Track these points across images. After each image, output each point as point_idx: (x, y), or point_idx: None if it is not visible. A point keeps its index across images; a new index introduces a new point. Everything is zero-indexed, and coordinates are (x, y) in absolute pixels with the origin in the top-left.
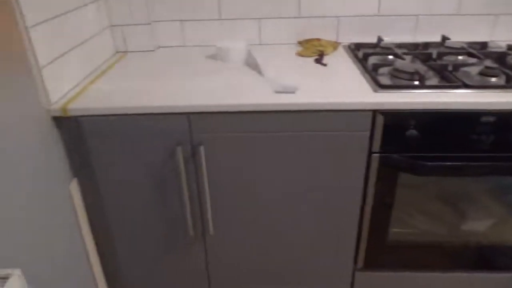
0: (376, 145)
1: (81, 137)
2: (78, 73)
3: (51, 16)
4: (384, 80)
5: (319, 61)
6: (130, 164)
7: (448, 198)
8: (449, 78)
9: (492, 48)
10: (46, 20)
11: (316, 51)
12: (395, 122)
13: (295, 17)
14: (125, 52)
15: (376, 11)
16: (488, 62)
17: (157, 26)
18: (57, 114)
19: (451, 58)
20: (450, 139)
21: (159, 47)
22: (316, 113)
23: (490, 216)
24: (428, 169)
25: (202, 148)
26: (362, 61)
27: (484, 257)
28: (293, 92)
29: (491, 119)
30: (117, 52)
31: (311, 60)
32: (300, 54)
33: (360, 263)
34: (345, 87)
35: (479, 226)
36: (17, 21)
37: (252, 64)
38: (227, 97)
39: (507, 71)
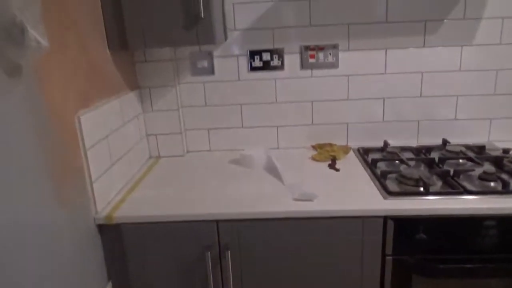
0: (389, 248)
1: (120, 242)
2: (120, 181)
3: (103, 136)
4: (393, 187)
5: (332, 166)
6: (162, 267)
7: None
8: (451, 184)
9: (489, 150)
10: (100, 141)
11: (329, 156)
12: (404, 227)
13: (308, 125)
14: (158, 157)
15: (380, 118)
16: (487, 166)
17: (187, 133)
18: (102, 222)
19: (452, 162)
20: (458, 242)
21: (188, 151)
22: (331, 219)
23: None
24: (439, 272)
25: (228, 253)
26: (371, 167)
27: None
28: (311, 200)
29: (493, 223)
30: (150, 157)
31: (325, 165)
32: (314, 159)
33: None
34: (357, 194)
35: None
36: (79, 143)
37: (272, 170)
38: (251, 204)
39: (504, 176)
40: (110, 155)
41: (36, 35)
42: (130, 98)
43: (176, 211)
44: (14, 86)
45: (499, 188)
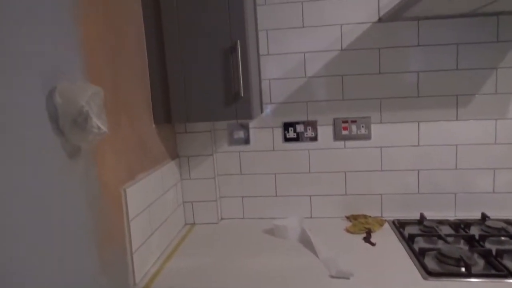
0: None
1: None
2: (158, 250)
3: (145, 206)
4: (432, 266)
5: (367, 240)
6: None
7: None
8: (494, 265)
9: None
10: (142, 211)
11: (363, 228)
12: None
13: (342, 195)
14: (193, 224)
15: (415, 190)
16: None
17: (221, 200)
18: None
19: (493, 239)
20: None
21: (222, 218)
22: None
23: None
24: None
25: None
26: (408, 243)
27: None
28: (348, 278)
29: None
30: (186, 224)
31: (359, 238)
32: (348, 231)
33: None
34: (395, 273)
35: None
36: (123, 214)
37: (306, 242)
38: (287, 281)
39: None
40: (150, 225)
41: (98, 122)
42: (171, 167)
43: (209, 285)
44: (74, 166)
45: None
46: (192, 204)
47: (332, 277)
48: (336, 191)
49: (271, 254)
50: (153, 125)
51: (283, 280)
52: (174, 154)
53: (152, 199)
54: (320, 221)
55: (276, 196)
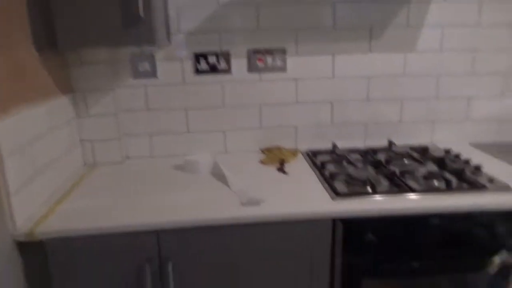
0: (338, 252)
1: (44, 261)
2: (47, 192)
3: (24, 143)
4: (341, 188)
5: (281, 169)
6: (95, 285)
7: None
8: (398, 184)
9: (432, 151)
10: (20, 149)
11: (277, 159)
12: (353, 228)
13: (257, 128)
14: (94, 164)
15: (329, 121)
16: (430, 166)
17: (126, 139)
18: (22, 239)
19: (397, 162)
20: (405, 241)
21: (128, 157)
22: (279, 224)
23: None
24: (389, 272)
25: (170, 265)
26: (320, 169)
27: None
28: (258, 204)
29: (438, 220)
30: (85, 164)
31: (273, 169)
32: (263, 163)
33: None
34: (306, 197)
35: None
36: None
37: (218, 175)
38: (195, 212)
39: (447, 175)
40: (33, 164)
41: None
42: (62, 102)
43: (111, 223)
44: None
45: (443, 186)
46: (91, 143)
47: (243, 205)
48: (251, 125)
49: (182, 189)
50: (35, 52)
51: (194, 210)
52: (66, 88)
53: (35, 136)
54: (235, 155)
55: (188, 132)
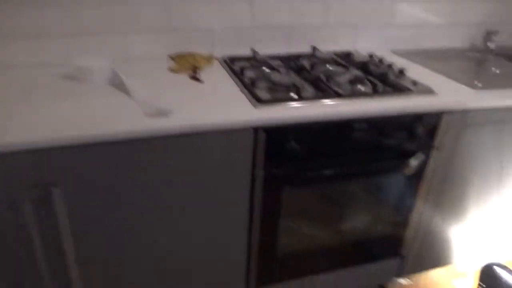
0: (260, 163)
1: None
2: None
3: None
4: (263, 95)
5: (194, 77)
6: None
7: (331, 202)
8: (323, 89)
9: (356, 57)
10: None
11: (190, 66)
12: (276, 137)
13: (166, 30)
14: None
15: (248, 23)
16: (355, 71)
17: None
18: None
19: (322, 68)
20: (330, 148)
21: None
22: (194, 136)
23: (367, 212)
24: (311, 181)
25: (56, 191)
26: (239, 76)
27: (364, 251)
28: (166, 115)
29: (364, 125)
30: None
31: (185, 77)
32: (172, 70)
33: (252, 283)
34: (224, 105)
35: (358, 223)
36: None
37: (118, 85)
38: (87, 126)
39: (372, 79)
40: None
41: None
42: None
43: None
44: None
45: (369, 90)
46: None
47: (148, 116)
48: (158, 26)
49: (71, 101)
50: None
51: (86, 125)
52: None
53: None
54: (139, 62)
55: (80, 36)
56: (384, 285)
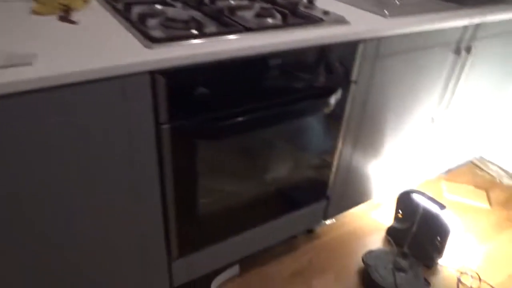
0: (163, 114)
1: None
2: None
3: None
4: (157, 33)
5: (65, 18)
6: None
7: (251, 152)
8: (227, 23)
9: None
10: None
11: (58, 6)
12: (178, 82)
13: None
14: None
15: None
16: (261, 3)
17: None
18: None
19: (224, 1)
20: (244, 92)
21: None
22: (70, 87)
23: (289, 158)
24: (226, 131)
25: None
26: (124, 13)
27: (290, 199)
28: (29, 64)
29: (277, 61)
30: None
31: (54, 19)
32: (36, 12)
33: (175, 253)
34: (108, 49)
35: (281, 171)
36: None
37: None
38: None
39: (281, 9)
40: None
41: None
42: None
43: None
44: None
45: (278, 22)
46: None
47: (2, 67)
48: None
49: None
50: None
51: None
52: None
53: None
54: None
55: None
56: (311, 229)
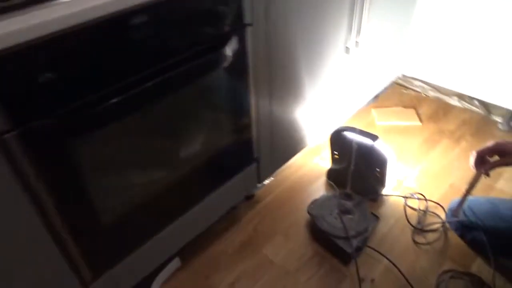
0: (1, 120)
1: None
2: None
3: None
4: None
5: None
6: None
7: (152, 132)
8: None
9: None
10: None
11: None
12: (13, 72)
13: None
14: None
15: None
16: None
17: None
18: None
19: None
20: (111, 65)
21: None
22: None
23: (202, 128)
24: (98, 119)
25: None
26: None
27: (217, 172)
28: None
29: (142, 18)
30: None
31: None
32: None
33: (88, 276)
34: None
35: (196, 144)
36: None
37: None
38: None
39: None
40: None
41: None
42: None
43: None
44: None
45: None
46: None
47: None
48: None
49: None
50: None
51: None
52: None
53: None
54: None
55: None
56: (250, 195)
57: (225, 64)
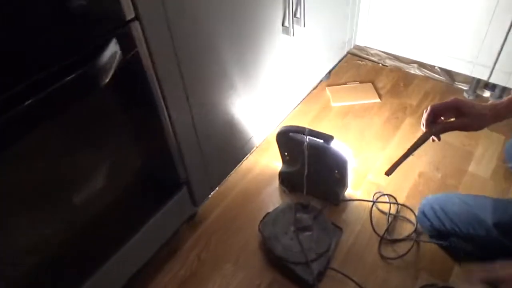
0: None
1: None
2: None
3: None
4: None
5: None
6: None
7: (33, 176)
8: None
9: None
10: None
11: None
12: None
13: None
14: None
15: None
16: None
17: None
18: None
19: None
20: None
21: None
22: None
23: (101, 161)
24: None
25: None
26: None
27: (134, 210)
28: None
29: None
30: None
31: None
32: None
33: None
34: None
35: (97, 182)
36: None
37: None
38: None
39: None
40: None
41: None
42: None
43: None
44: None
45: None
46: None
47: None
48: None
49: None
50: None
51: None
52: None
53: None
54: None
55: None
56: (192, 215)
57: (106, 77)
